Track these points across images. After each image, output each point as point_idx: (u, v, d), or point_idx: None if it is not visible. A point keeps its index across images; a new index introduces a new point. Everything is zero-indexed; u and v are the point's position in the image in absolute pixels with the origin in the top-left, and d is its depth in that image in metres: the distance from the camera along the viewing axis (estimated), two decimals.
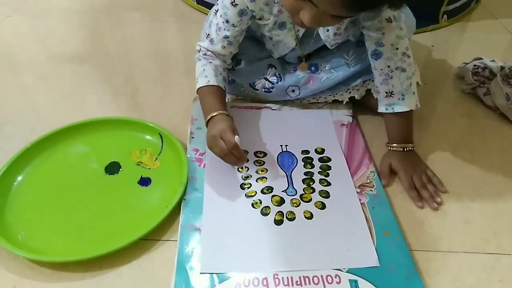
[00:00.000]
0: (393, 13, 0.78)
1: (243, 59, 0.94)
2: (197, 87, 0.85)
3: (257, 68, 0.93)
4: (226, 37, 0.84)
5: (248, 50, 0.94)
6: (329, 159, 0.84)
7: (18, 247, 0.65)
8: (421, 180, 0.80)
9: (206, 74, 0.84)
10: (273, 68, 0.93)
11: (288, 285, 0.62)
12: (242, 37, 0.87)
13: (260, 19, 0.84)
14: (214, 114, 0.79)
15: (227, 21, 0.82)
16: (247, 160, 0.82)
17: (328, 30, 0.85)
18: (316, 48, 0.91)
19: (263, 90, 0.93)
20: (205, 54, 0.87)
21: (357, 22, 0.84)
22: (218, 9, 0.84)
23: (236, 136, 0.74)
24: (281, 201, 0.75)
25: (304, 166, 0.82)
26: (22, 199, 0.75)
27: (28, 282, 0.64)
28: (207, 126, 0.80)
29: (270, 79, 0.93)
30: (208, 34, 0.86)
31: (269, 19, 0.83)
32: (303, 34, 0.87)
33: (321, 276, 0.63)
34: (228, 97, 0.99)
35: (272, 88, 0.93)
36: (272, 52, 0.93)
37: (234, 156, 0.75)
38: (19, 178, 0.78)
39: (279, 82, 0.93)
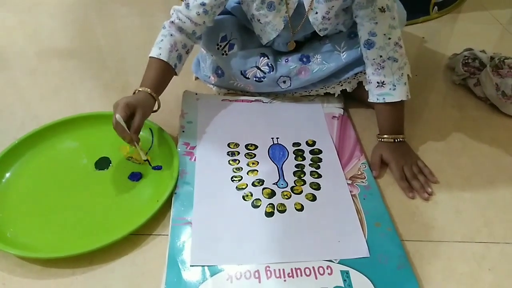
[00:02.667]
0: (386, 3, 0.78)
1: (236, 43, 0.92)
2: (149, 55, 0.83)
3: (250, 54, 0.92)
4: (203, 4, 0.81)
5: (241, 36, 0.93)
6: (320, 151, 0.84)
7: (7, 244, 0.65)
8: (412, 171, 0.81)
9: (160, 46, 0.82)
10: (266, 58, 0.92)
11: (280, 277, 0.62)
12: (219, 10, 0.85)
13: None
14: (139, 89, 0.79)
15: None
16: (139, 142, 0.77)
17: (317, 13, 0.83)
18: (305, 33, 0.91)
19: (254, 79, 0.93)
20: (172, 22, 0.84)
21: (349, 10, 0.84)
22: None
23: (117, 115, 0.71)
24: (272, 194, 0.75)
25: (295, 158, 0.82)
26: (10, 196, 0.74)
27: (17, 280, 0.63)
28: None
29: (262, 68, 0.92)
30: None
31: None
32: (292, 16, 0.85)
33: (313, 267, 0.64)
34: (218, 91, 0.99)
35: (264, 77, 0.92)
36: (260, 38, 0.92)
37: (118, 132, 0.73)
38: (8, 174, 0.77)
39: (271, 72, 0.92)
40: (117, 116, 0.71)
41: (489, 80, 0.98)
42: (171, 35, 0.83)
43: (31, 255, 0.65)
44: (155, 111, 0.81)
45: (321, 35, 0.88)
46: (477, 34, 1.32)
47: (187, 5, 0.83)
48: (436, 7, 1.39)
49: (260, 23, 0.87)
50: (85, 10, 1.39)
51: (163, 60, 0.81)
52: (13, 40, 1.22)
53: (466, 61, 1.06)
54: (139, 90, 0.79)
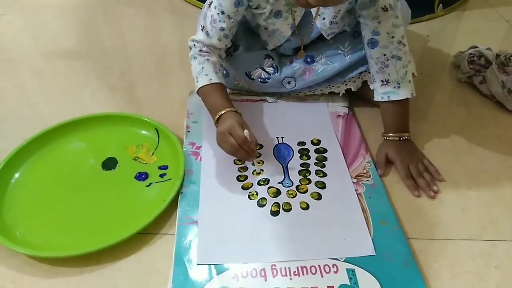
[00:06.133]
0: (389, 2, 0.78)
1: (241, 45, 0.93)
2: (198, 87, 0.83)
3: (255, 56, 0.93)
4: (222, 29, 0.83)
5: (246, 37, 0.94)
6: (325, 150, 0.84)
7: (17, 244, 0.66)
8: (418, 169, 0.80)
9: (206, 72, 0.83)
10: (270, 59, 0.93)
11: (286, 276, 0.63)
12: (235, 29, 0.87)
13: (256, 8, 0.84)
14: (222, 112, 0.78)
15: (223, 12, 0.82)
16: (259, 155, 0.82)
17: (324, 18, 0.84)
18: (312, 39, 0.91)
19: (259, 80, 0.93)
20: (200, 50, 0.85)
21: (353, 11, 0.84)
22: (212, 1, 0.83)
23: (246, 131, 0.73)
24: (277, 193, 0.75)
25: (300, 157, 0.83)
26: (19, 196, 0.75)
27: (27, 278, 0.64)
28: (216, 125, 0.79)
29: (266, 69, 0.92)
30: (203, 27, 0.85)
31: (265, 7, 0.83)
32: (299, 23, 0.86)
33: (319, 265, 0.64)
34: None
35: (268, 78, 0.93)
36: (266, 43, 0.92)
37: (244, 150, 0.74)
38: (16, 175, 0.78)
39: (276, 74, 0.92)
40: (246, 131, 0.73)
41: (495, 77, 0.98)
42: (208, 59, 0.84)
43: (39, 254, 0.65)
44: None
45: (328, 39, 0.89)
46: (483, 32, 1.32)
47: (207, 34, 0.84)
48: (441, 5, 1.39)
49: (268, 30, 0.88)
50: (91, 12, 1.40)
51: (216, 83, 0.82)
52: (20, 42, 1.23)
53: (472, 58, 1.05)
54: (222, 114, 0.78)
